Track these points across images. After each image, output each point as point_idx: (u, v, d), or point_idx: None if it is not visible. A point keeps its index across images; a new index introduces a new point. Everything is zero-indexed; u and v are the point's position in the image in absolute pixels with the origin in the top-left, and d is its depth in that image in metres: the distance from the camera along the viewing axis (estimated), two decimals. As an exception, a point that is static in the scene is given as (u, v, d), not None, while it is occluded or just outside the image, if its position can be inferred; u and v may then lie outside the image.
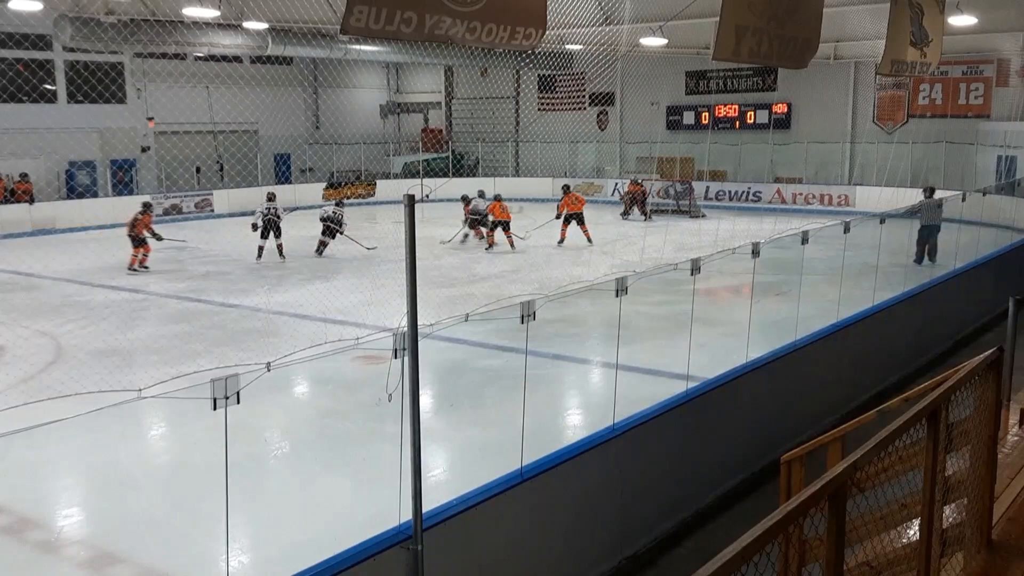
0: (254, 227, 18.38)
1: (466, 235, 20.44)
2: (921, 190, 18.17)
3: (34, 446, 7.30)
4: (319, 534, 5.86)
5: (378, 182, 31.22)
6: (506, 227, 19.30)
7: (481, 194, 20.92)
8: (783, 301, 11.48)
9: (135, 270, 17.15)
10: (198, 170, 28.24)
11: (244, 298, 14.38)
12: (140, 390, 3.53)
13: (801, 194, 27.48)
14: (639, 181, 26.18)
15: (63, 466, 7.48)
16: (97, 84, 25.31)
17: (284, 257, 18.27)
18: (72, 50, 24.44)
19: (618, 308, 6.07)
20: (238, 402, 3.62)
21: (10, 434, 3.38)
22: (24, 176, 24.06)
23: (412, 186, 23.55)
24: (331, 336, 10.33)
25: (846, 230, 9.31)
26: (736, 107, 29.28)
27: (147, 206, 18.48)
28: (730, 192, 28.71)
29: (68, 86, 25.71)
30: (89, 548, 6.11)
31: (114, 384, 8.83)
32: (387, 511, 4.48)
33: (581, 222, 19.91)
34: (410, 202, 4.28)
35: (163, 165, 27.25)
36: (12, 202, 23.29)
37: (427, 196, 17.84)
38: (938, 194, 17.67)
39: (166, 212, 25.75)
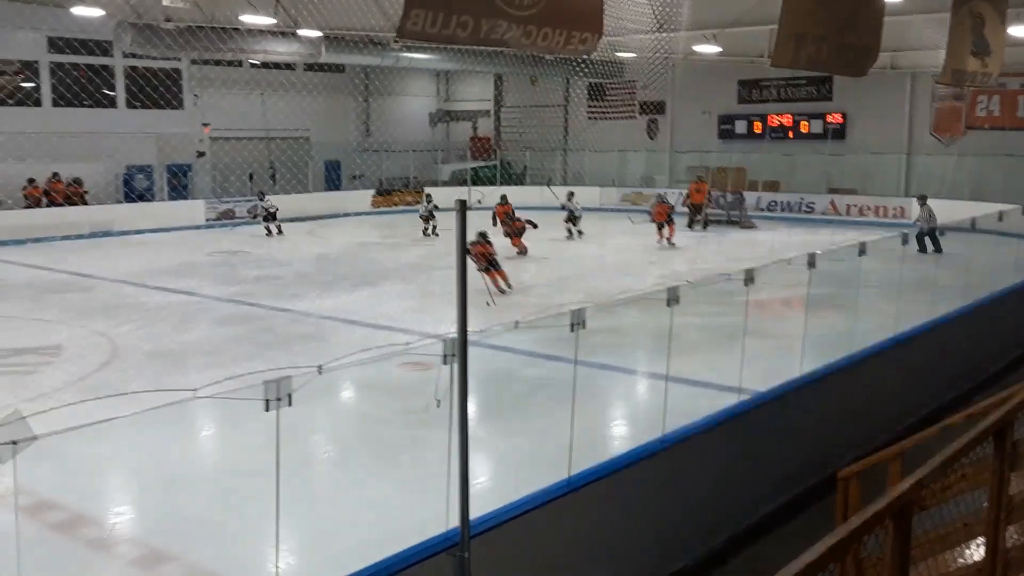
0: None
1: (570, 231, 22.06)
2: (915, 199, 20.40)
3: (89, 444, 7.41)
4: (365, 538, 5.85)
5: (426, 189, 31.38)
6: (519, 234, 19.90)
7: (571, 196, 22.57)
8: (837, 314, 11.27)
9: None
10: (251, 176, 28.65)
11: (294, 303, 14.52)
12: (196, 390, 3.56)
13: (855, 206, 27.00)
14: (704, 178, 26.12)
15: (116, 464, 7.59)
16: (155, 90, 25.84)
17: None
18: (132, 56, 24.98)
19: (668, 318, 6.00)
20: (290, 404, 3.64)
21: (66, 431, 3.42)
22: (77, 180, 24.64)
23: (462, 193, 23.81)
24: (378, 342, 10.37)
25: (904, 242, 9.13)
26: (790, 116, 28.89)
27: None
28: (782, 203, 28.33)
29: (127, 91, 26.27)
30: (140, 546, 6.18)
31: (167, 385, 8.96)
32: (433, 518, 4.46)
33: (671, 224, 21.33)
34: (461, 208, 4.26)
35: (217, 170, 27.70)
36: (68, 204, 23.86)
37: (478, 202, 18.04)
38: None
39: (219, 217, 26.19)
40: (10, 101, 24.06)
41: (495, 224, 20.52)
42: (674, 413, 6.08)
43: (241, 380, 3.88)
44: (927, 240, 18.56)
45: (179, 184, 27.38)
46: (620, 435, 8.51)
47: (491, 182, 31.60)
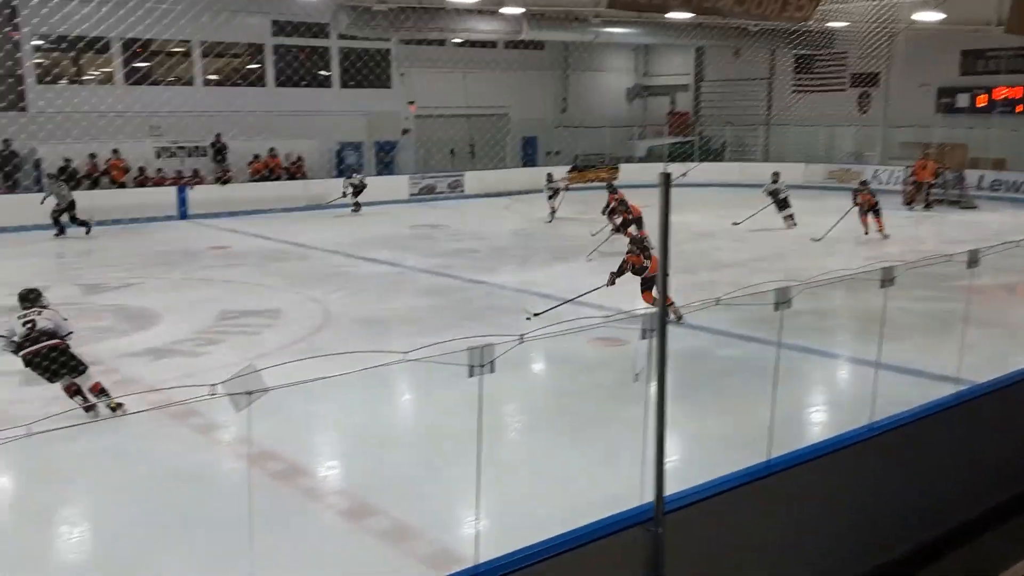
0: None
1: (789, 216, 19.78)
2: None
3: (304, 401, 7.97)
4: (556, 507, 5.96)
5: (621, 166, 31.24)
6: (637, 225, 16.46)
7: (775, 178, 20.10)
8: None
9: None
10: (452, 152, 29.57)
11: (490, 275, 14.91)
12: (406, 353, 3.74)
13: (1095, 186, 24.44)
14: (931, 154, 24.21)
15: (328, 421, 8.11)
16: (366, 70, 27.15)
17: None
18: (346, 37, 26.35)
19: (877, 301, 5.70)
20: (492, 371, 3.74)
21: (289, 386, 3.70)
22: (299, 158, 26.37)
23: (658, 169, 23.40)
24: (569, 317, 10.48)
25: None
26: (1021, 89, 26.42)
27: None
28: (1008, 182, 26.02)
29: (341, 72, 27.77)
30: (348, 498, 6.59)
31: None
32: (623, 492, 4.47)
33: (878, 214, 18.24)
34: (665, 181, 4.20)
35: (421, 147, 28.79)
36: (289, 179, 25.64)
37: (684, 175, 17.36)
38: None
39: (421, 192, 27.26)
40: (239, 82, 26.06)
41: (604, 213, 18.50)
42: (883, 400, 5.77)
43: (444, 346, 4.03)
44: None
45: (386, 160, 28.70)
46: (822, 421, 8.19)
47: (688, 158, 30.97)
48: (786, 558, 5.08)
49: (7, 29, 22.03)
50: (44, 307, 8.18)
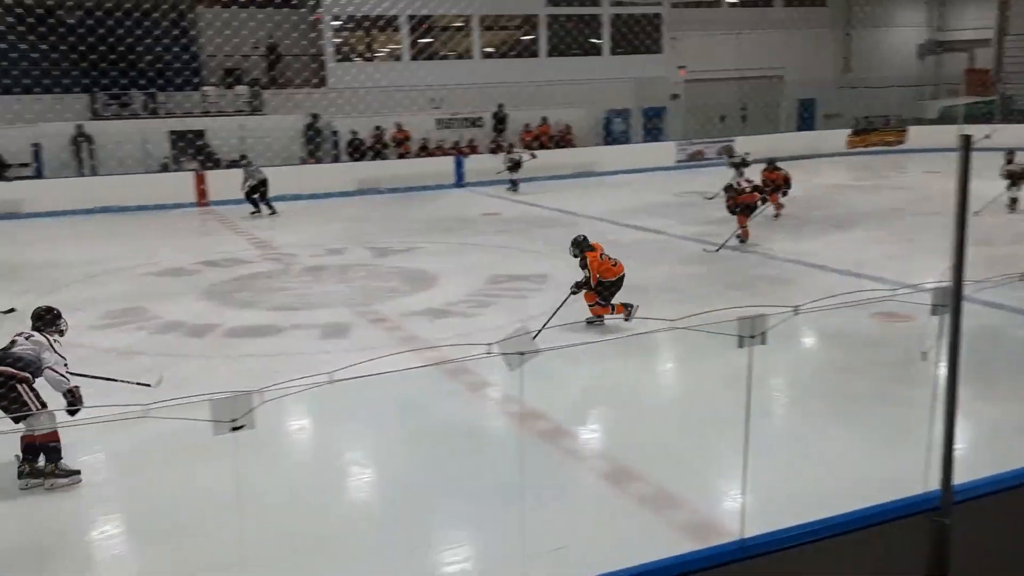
0: None
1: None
2: None
3: (569, 364, 8.20)
4: (825, 488, 5.72)
5: (909, 128, 28.88)
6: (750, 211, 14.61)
7: (1010, 156, 16.78)
8: None
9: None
10: (722, 118, 28.77)
11: (760, 244, 14.40)
12: (673, 320, 3.72)
13: None
14: None
15: (591, 385, 8.25)
16: (636, 36, 27.02)
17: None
18: (617, 4, 26.35)
19: None
20: (764, 342, 3.62)
21: (552, 349, 3.81)
22: (568, 127, 26.82)
23: (948, 131, 21.30)
24: (846, 289, 9.91)
25: None
26: None
27: None
28: None
29: (611, 39, 27.83)
30: (609, 461, 6.69)
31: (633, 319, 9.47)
32: (902, 478, 4.18)
33: None
34: (965, 144, 3.84)
35: (690, 112, 28.27)
36: (557, 147, 26.15)
37: (987, 137, 15.32)
38: None
39: (690, 158, 26.81)
40: (513, 53, 26.92)
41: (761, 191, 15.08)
42: None
43: (712, 316, 3.96)
44: None
45: (653, 127, 28.50)
46: None
47: (987, 119, 27.99)
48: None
49: (317, 12, 24.22)
50: (61, 332, 6.67)
